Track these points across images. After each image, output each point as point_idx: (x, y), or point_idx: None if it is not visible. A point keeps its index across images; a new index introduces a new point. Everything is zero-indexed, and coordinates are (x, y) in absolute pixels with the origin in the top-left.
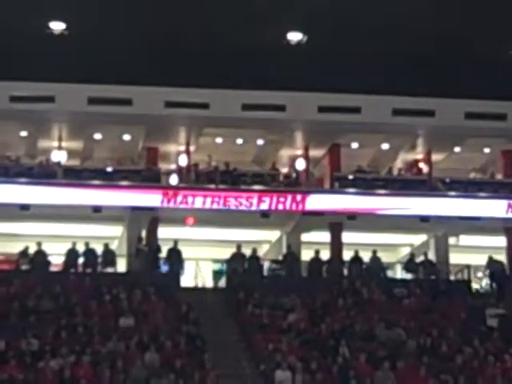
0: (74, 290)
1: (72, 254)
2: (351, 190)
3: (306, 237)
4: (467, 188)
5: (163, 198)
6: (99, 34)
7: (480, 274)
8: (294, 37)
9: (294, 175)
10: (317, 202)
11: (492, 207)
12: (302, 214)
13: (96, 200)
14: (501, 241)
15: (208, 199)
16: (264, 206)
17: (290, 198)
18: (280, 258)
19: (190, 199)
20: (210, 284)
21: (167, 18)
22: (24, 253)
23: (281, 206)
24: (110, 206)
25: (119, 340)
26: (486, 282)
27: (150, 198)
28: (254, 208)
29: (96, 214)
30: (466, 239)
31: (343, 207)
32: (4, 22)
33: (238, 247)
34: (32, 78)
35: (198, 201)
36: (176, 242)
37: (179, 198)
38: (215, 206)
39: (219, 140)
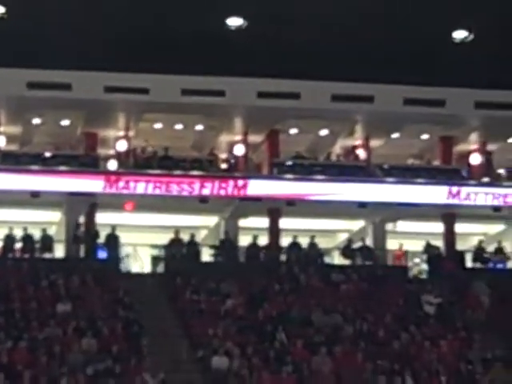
0: (12, 276)
1: (9, 240)
2: (289, 175)
3: (244, 222)
4: (405, 174)
5: (105, 184)
6: (38, 17)
7: (417, 260)
8: (234, 22)
9: (232, 161)
10: (257, 187)
11: (430, 193)
12: (240, 199)
13: (34, 185)
14: (438, 227)
15: (150, 185)
16: (206, 192)
17: (231, 183)
18: (218, 243)
19: (131, 184)
20: (148, 269)
21: (107, 2)
22: None
23: (223, 192)
24: (50, 191)
25: (56, 326)
26: (422, 267)
27: (91, 184)
28: (196, 193)
29: (34, 199)
30: (403, 225)
31: (281, 193)
32: None
33: (176, 233)
34: None
35: (140, 186)
36: (114, 227)
37: (121, 184)
38: (157, 192)
39: (159, 125)
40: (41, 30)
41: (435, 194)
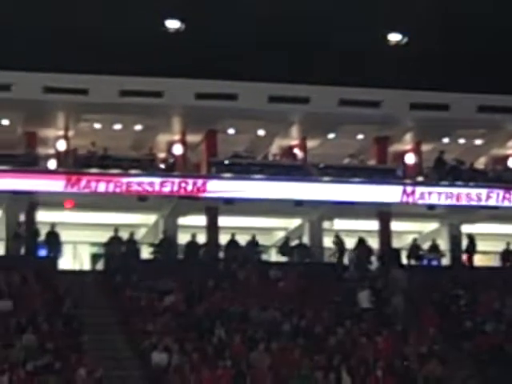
0: None
1: None
2: (227, 174)
3: (182, 220)
4: (341, 173)
5: (66, 183)
6: None
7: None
8: (172, 24)
9: (171, 160)
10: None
11: (365, 192)
12: (179, 197)
13: None
14: (374, 225)
15: (111, 184)
16: (166, 190)
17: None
18: (157, 241)
19: (93, 184)
20: (87, 267)
21: (46, 3)
22: None
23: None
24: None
25: None
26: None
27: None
28: (155, 192)
29: None
30: (340, 223)
31: (219, 191)
32: None
33: (116, 231)
34: None
35: (101, 186)
36: (53, 225)
37: (83, 183)
38: (118, 191)
39: (98, 125)
40: None
41: (371, 192)
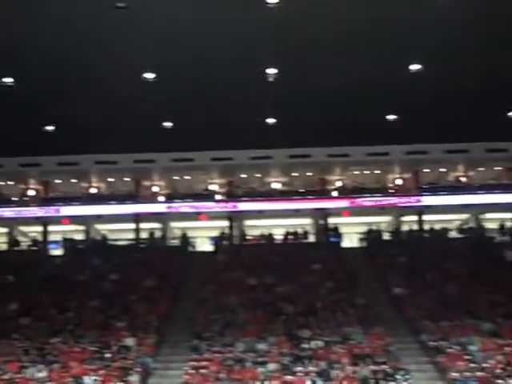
0: None
1: None
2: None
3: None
4: None
5: (349, 203)
6: None
7: None
8: None
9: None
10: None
11: None
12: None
13: None
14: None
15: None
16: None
17: None
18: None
19: (362, 202)
20: (356, 245)
21: None
22: None
23: None
24: None
25: None
26: None
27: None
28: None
29: None
30: None
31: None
32: None
33: (370, 225)
34: None
35: (367, 203)
36: (336, 226)
37: (355, 202)
38: (374, 205)
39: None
40: None
41: None
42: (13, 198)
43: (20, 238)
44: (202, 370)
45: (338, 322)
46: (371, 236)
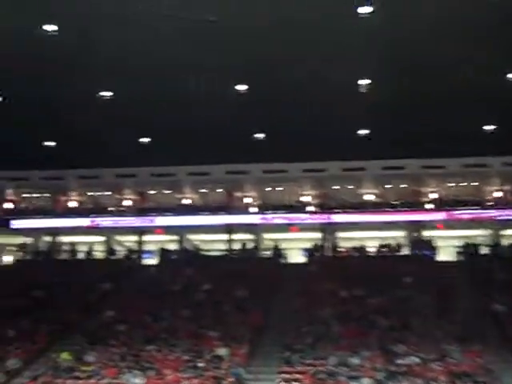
0: None
1: None
2: None
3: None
4: None
5: (446, 216)
6: None
7: None
8: None
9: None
10: None
11: None
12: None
13: None
14: None
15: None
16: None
17: None
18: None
19: (458, 215)
20: (453, 258)
21: None
22: None
23: None
24: None
25: None
26: None
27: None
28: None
29: None
30: None
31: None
32: None
33: (468, 238)
34: None
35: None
36: (431, 238)
37: (453, 215)
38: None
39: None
40: None
41: None
42: (109, 208)
43: (116, 247)
44: (294, 383)
45: (435, 338)
46: (468, 250)
